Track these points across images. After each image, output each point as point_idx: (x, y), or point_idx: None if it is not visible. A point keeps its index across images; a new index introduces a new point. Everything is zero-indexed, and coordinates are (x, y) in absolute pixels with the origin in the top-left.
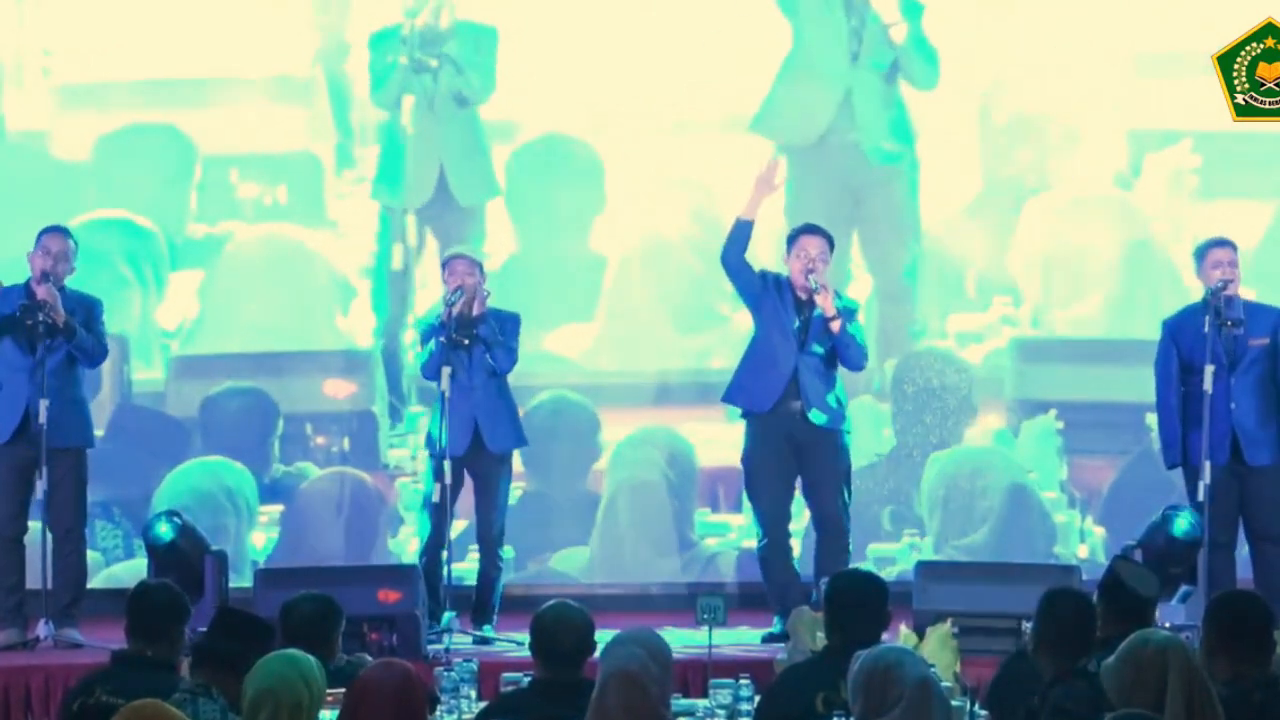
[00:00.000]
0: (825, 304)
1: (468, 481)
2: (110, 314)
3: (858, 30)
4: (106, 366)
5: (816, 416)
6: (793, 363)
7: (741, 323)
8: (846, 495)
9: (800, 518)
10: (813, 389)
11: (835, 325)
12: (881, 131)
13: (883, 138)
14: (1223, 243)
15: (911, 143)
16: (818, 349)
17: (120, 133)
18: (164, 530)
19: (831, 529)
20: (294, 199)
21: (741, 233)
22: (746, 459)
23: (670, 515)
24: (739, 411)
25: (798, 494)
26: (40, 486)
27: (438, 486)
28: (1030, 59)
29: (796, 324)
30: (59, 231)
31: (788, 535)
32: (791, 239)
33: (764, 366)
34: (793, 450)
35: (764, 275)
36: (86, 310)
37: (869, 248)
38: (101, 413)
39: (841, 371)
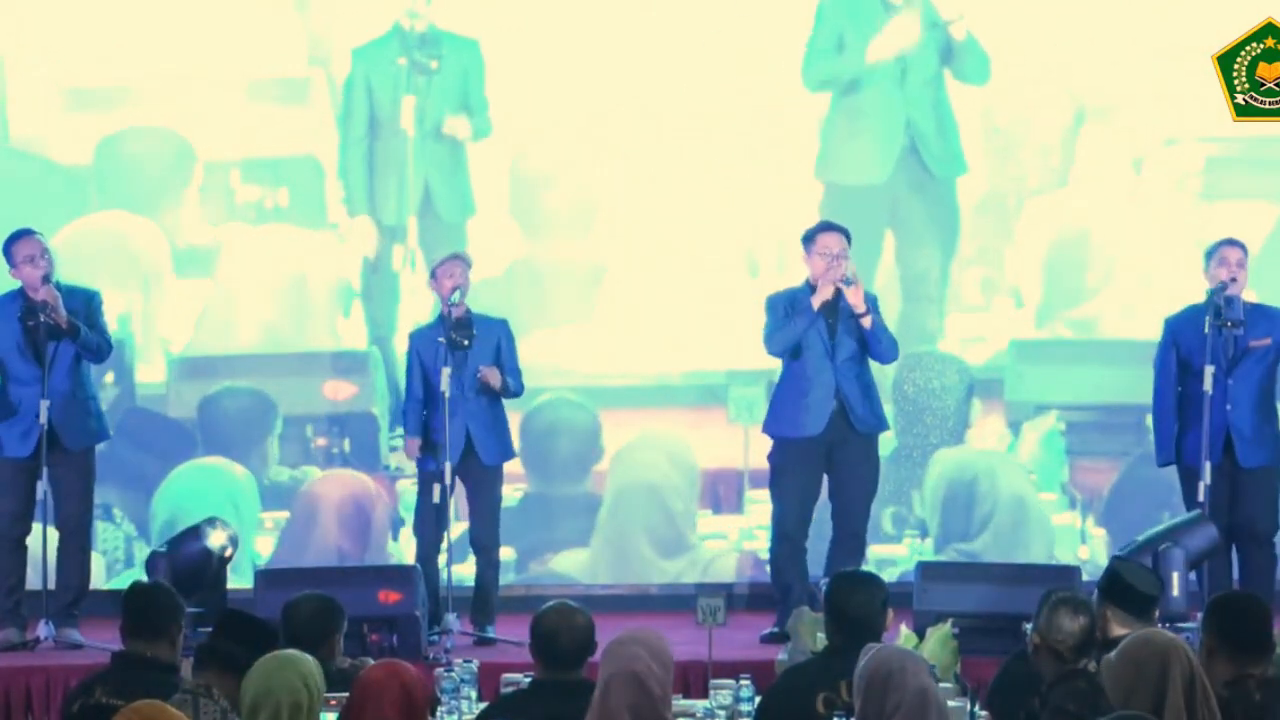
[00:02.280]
0: (856, 299)
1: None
2: (113, 315)
3: None
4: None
5: (862, 425)
6: (831, 380)
7: (743, 325)
8: (870, 501)
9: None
10: (855, 398)
11: (867, 321)
12: (938, 142)
13: (940, 147)
14: (1232, 243)
15: (958, 143)
16: (848, 353)
17: (119, 135)
18: (217, 541)
19: (851, 534)
20: (295, 202)
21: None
22: (775, 457)
23: (671, 517)
24: (739, 413)
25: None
26: (41, 487)
27: (437, 488)
28: (1031, 59)
29: (825, 332)
30: (28, 234)
31: (805, 537)
32: (809, 238)
33: (804, 392)
34: (826, 452)
35: (776, 304)
36: (85, 303)
37: (902, 249)
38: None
39: None
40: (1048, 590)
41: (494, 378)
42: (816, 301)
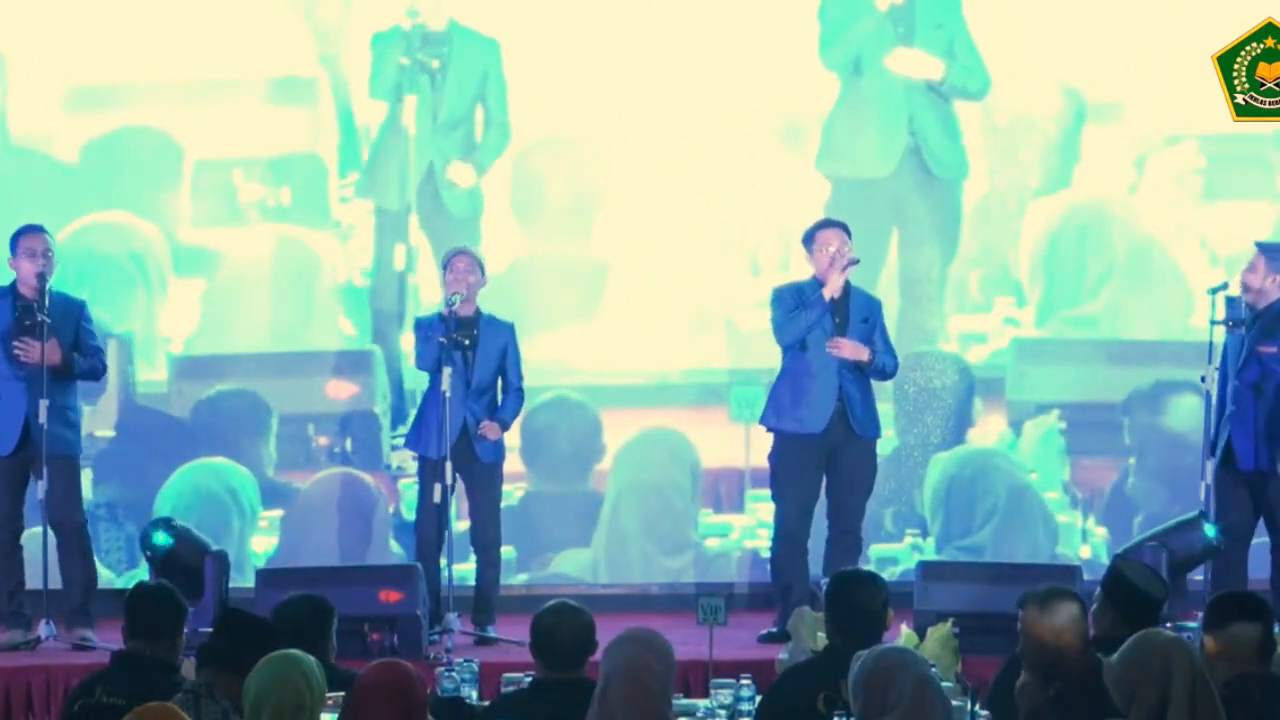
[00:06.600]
0: (855, 353)
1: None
2: (114, 315)
3: (906, 39)
4: (111, 366)
5: (863, 429)
6: (835, 380)
7: (744, 324)
8: (866, 501)
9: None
10: (856, 401)
11: (864, 355)
12: (940, 141)
13: (940, 147)
14: (1255, 245)
15: (961, 147)
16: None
17: (105, 138)
18: (161, 538)
19: (847, 531)
20: (297, 200)
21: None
22: (775, 457)
23: (672, 516)
24: (740, 412)
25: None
26: (42, 487)
27: (438, 487)
28: (1032, 59)
29: (832, 331)
30: (37, 230)
31: (807, 537)
32: (809, 237)
33: (806, 389)
34: (825, 453)
35: (783, 296)
36: (76, 317)
37: (904, 248)
38: (108, 414)
39: None
40: (1024, 593)
41: (493, 432)
42: (827, 293)
